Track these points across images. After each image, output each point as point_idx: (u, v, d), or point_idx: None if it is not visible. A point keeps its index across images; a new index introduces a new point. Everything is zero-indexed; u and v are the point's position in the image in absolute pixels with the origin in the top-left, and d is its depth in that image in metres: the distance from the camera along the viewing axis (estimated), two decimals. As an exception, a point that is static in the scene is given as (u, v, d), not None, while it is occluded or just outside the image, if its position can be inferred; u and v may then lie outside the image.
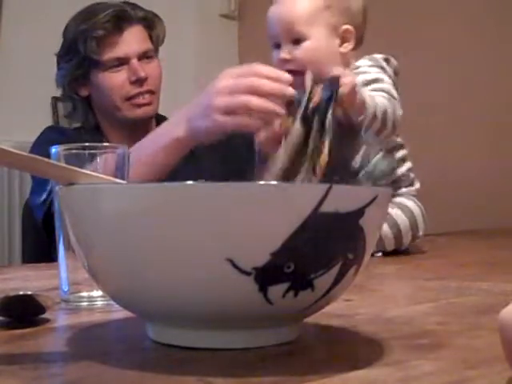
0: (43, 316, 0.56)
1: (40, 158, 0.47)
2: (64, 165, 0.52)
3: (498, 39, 2.29)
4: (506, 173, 2.21)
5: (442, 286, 0.79)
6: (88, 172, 0.49)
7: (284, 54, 1.15)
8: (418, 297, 0.72)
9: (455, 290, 0.74)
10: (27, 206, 1.55)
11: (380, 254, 1.14)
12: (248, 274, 0.40)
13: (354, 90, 1.01)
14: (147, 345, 0.47)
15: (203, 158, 1.37)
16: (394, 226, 1.15)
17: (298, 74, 1.09)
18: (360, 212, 0.42)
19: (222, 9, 3.05)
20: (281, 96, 1.02)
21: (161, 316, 0.45)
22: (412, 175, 1.24)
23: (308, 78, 1.04)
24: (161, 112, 1.55)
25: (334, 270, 0.42)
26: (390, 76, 1.16)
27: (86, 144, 0.64)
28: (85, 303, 0.64)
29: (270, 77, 1.02)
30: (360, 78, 1.13)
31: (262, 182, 0.40)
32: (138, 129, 1.46)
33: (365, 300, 0.68)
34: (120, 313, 0.56)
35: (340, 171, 1.08)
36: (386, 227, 1.14)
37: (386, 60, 1.18)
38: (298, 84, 1.06)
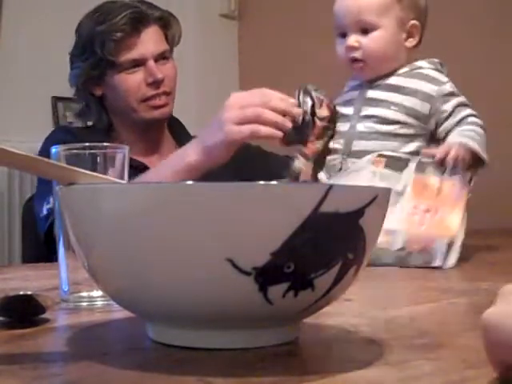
0: (43, 316, 0.56)
1: (40, 158, 0.47)
2: (64, 165, 0.52)
3: (498, 39, 2.29)
4: (506, 173, 2.21)
5: (442, 286, 0.79)
6: (88, 172, 0.49)
7: (352, 41, 1.16)
8: (418, 297, 0.72)
9: (455, 290, 0.74)
10: (27, 205, 1.55)
11: None
12: (248, 274, 0.40)
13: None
14: (147, 345, 0.47)
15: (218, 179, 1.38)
16: None
17: (361, 63, 1.14)
18: (360, 212, 0.42)
19: (222, 9, 3.05)
20: (289, 113, 1.08)
21: (161, 316, 0.45)
22: None
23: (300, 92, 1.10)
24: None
25: (334, 270, 0.42)
26: (448, 80, 1.17)
27: (86, 144, 0.64)
28: (85, 303, 0.64)
29: (277, 97, 1.08)
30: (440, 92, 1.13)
31: (261, 182, 0.40)
32: (150, 129, 1.46)
33: (365, 300, 0.68)
34: (120, 313, 0.56)
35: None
36: None
37: (441, 64, 1.19)
38: (358, 73, 1.14)
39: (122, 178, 0.63)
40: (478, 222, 2.07)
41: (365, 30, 1.15)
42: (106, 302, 0.63)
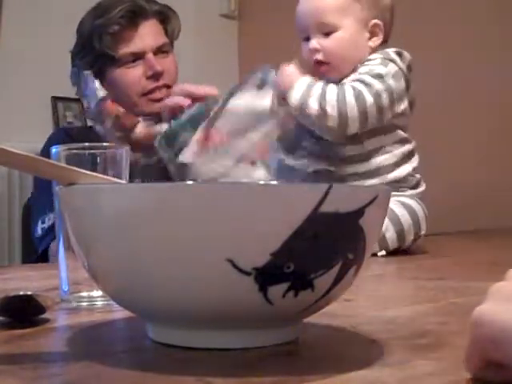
0: (43, 316, 0.56)
1: (40, 158, 0.47)
2: (64, 165, 0.52)
3: (498, 40, 2.29)
4: (506, 173, 2.21)
5: (441, 286, 0.79)
6: (88, 172, 0.49)
7: (314, 44, 1.17)
8: (418, 297, 0.72)
9: (455, 290, 0.74)
10: (27, 205, 1.55)
11: (383, 252, 1.14)
12: (248, 274, 0.40)
13: None
14: (147, 345, 0.47)
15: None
16: (397, 224, 1.15)
17: (325, 65, 1.16)
18: (360, 212, 0.42)
19: (221, 9, 3.05)
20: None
21: (161, 316, 0.45)
22: (418, 176, 1.23)
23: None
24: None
25: (334, 270, 0.42)
26: (401, 68, 1.17)
27: (86, 144, 0.64)
28: (85, 303, 0.64)
29: None
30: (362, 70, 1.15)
31: (262, 182, 0.40)
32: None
33: (365, 300, 0.68)
34: (120, 313, 0.56)
35: None
36: (389, 226, 1.14)
37: (399, 53, 1.19)
38: (323, 75, 1.16)
39: (121, 178, 0.63)
40: (478, 222, 2.08)
41: (327, 33, 1.17)
42: (105, 302, 0.63)
